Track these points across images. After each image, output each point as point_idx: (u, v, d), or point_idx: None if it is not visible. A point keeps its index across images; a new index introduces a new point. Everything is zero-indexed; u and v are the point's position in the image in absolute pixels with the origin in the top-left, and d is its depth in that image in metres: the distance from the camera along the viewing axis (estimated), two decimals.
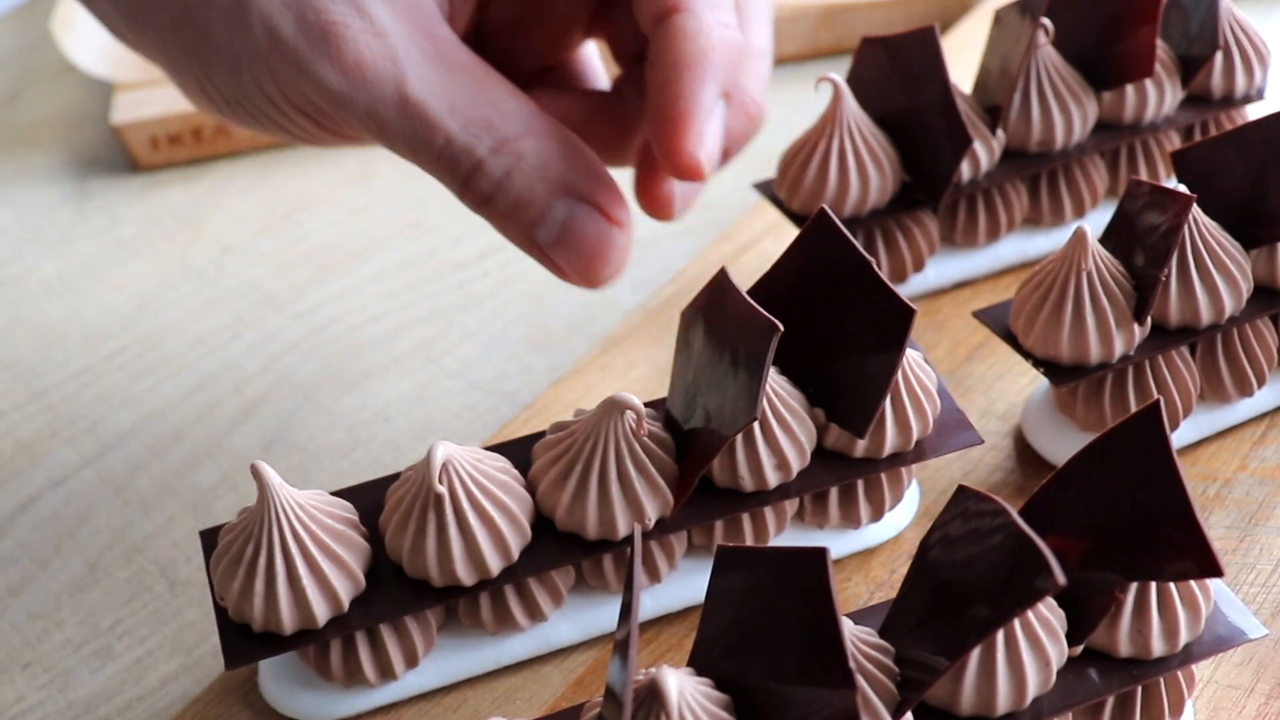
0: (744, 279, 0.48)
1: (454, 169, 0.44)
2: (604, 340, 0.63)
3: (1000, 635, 0.38)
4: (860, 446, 0.48)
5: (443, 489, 0.44)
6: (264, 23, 0.43)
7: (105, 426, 0.63)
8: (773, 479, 0.47)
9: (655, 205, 0.51)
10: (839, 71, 0.61)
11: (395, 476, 0.47)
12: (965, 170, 0.60)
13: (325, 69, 0.42)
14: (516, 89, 0.45)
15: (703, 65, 0.45)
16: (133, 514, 0.58)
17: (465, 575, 0.44)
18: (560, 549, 0.46)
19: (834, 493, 0.50)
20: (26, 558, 0.56)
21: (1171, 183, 0.64)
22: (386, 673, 0.46)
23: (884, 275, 0.46)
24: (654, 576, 0.49)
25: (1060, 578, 0.35)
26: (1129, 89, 0.62)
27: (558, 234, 0.45)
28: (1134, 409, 0.46)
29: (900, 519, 0.52)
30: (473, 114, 0.44)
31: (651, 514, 0.45)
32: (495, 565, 0.44)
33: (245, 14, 0.43)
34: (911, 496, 0.52)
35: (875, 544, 0.51)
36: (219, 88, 0.46)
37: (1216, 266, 0.51)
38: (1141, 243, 0.50)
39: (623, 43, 0.55)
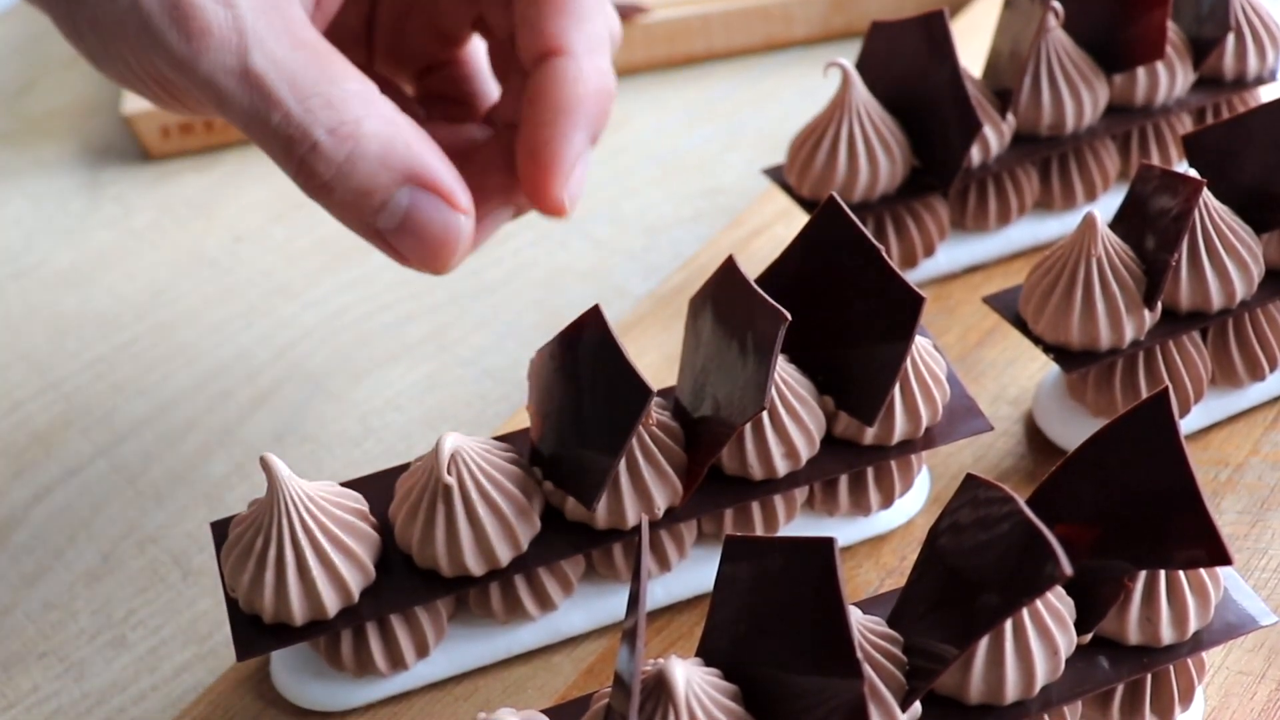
0: (755, 265, 0.48)
1: (289, 149, 0.43)
2: (614, 327, 0.62)
3: (1009, 624, 0.38)
4: (869, 434, 0.48)
5: (451, 480, 0.44)
6: None
7: (119, 416, 0.63)
8: (782, 467, 0.47)
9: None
10: (849, 55, 0.61)
11: (405, 467, 0.47)
12: (975, 155, 0.59)
13: (172, 36, 0.42)
14: (360, 72, 0.45)
15: (578, 113, 0.47)
16: (146, 504, 0.58)
17: (475, 565, 0.44)
18: (569, 539, 0.46)
19: (844, 480, 0.50)
20: (41, 548, 0.57)
21: (1183, 166, 0.63)
22: (397, 662, 0.47)
23: (894, 261, 0.46)
24: (664, 565, 0.49)
25: (1067, 568, 0.34)
26: (1140, 71, 0.61)
27: (400, 221, 0.44)
28: (1145, 394, 0.46)
29: (911, 506, 0.52)
30: (312, 91, 0.43)
31: (661, 503, 0.45)
32: (505, 555, 0.45)
33: None
34: (922, 483, 0.52)
35: (886, 531, 0.51)
36: (88, 45, 0.46)
37: (1227, 251, 0.50)
38: (1152, 227, 0.50)
39: (503, 55, 0.55)
